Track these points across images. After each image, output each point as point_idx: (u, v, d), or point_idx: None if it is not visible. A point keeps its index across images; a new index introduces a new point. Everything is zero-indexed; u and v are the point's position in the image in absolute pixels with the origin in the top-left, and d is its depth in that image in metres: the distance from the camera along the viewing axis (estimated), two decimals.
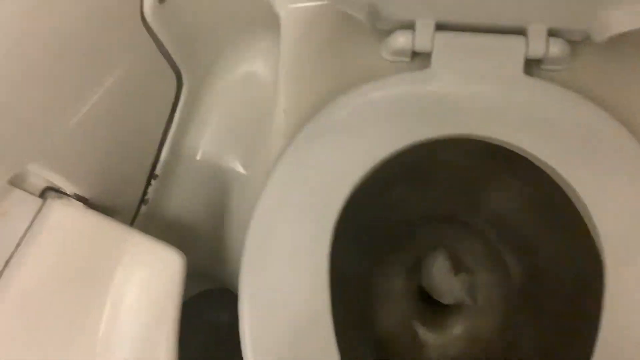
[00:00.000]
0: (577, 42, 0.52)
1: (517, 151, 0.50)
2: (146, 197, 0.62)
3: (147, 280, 0.50)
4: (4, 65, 0.40)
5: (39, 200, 0.49)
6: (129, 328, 0.47)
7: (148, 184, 0.62)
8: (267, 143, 0.60)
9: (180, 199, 0.64)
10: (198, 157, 0.66)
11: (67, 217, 0.50)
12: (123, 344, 0.47)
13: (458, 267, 0.64)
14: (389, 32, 0.53)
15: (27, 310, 0.46)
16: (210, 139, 0.65)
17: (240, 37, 0.63)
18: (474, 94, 0.51)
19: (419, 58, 0.53)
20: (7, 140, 0.43)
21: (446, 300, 0.64)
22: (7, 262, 0.45)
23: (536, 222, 0.61)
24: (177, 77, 0.60)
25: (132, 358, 0.46)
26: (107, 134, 0.53)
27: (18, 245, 0.47)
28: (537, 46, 0.50)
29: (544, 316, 0.60)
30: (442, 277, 0.64)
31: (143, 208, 0.62)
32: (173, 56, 0.56)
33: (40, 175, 0.48)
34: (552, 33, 0.51)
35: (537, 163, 0.50)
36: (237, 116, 0.65)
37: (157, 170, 0.63)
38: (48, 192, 0.50)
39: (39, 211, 0.49)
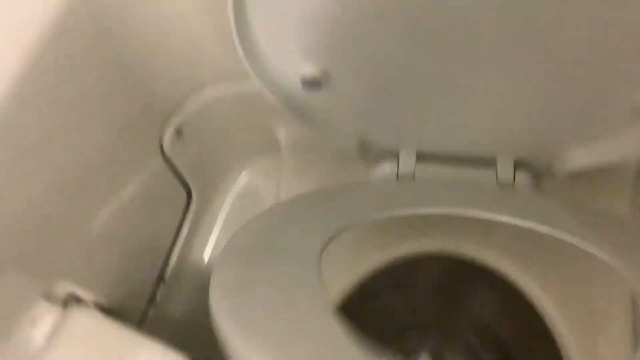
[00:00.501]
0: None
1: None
2: (155, 300, 0.68)
3: None
4: (40, 194, 0.46)
5: (61, 310, 0.54)
6: None
7: (157, 287, 0.68)
8: None
9: (187, 302, 0.70)
10: (204, 263, 0.72)
11: (84, 324, 0.55)
12: None
13: None
14: (376, 160, 0.61)
15: None
16: (215, 246, 0.72)
17: (244, 159, 0.71)
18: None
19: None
20: (41, 257, 0.49)
21: None
22: None
23: (510, 329, 0.66)
24: (187, 194, 0.67)
25: None
26: (122, 246, 0.60)
27: (42, 351, 0.52)
28: (505, 176, 0.57)
29: None
30: None
31: (151, 310, 0.67)
32: (185, 177, 0.64)
33: (64, 287, 0.54)
34: (519, 164, 0.58)
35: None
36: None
37: (166, 275, 0.68)
38: (69, 301, 0.56)
39: (60, 320, 0.54)
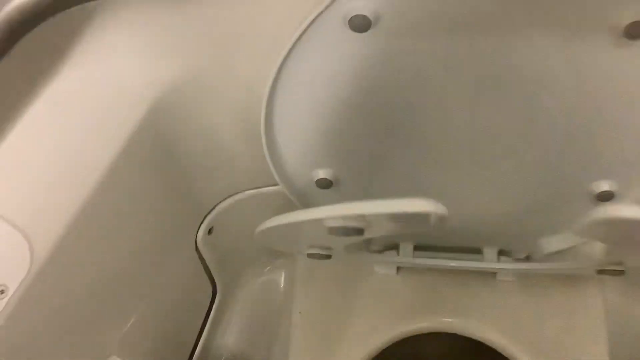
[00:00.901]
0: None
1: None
2: None
3: None
4: (96, 290, 0.54)
5: None
6: None
7: None
8: (282, 338, 0.74)
9: None
10: (225, 354, 0.79)
11: None
12: None
13: None
14: (379, 251, 0.70)
15: None
16: (236, 336, 0.79)
17: (262, 256, 0.81)
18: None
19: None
20: (99, 334, 0.57)
21: None
22: None
23: None
24: (213, 288, 0.76)
25: None
26: (159, 332, 0.67)
27: None
28: (490, 263, 0.67)
29: None
30: None
31: None
32: (212, 272, 0.73)
33: None
34: (502, 253, 0.68)
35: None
36: (258, 317, 0.80)
37: None
38: None
39: None
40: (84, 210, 0.45)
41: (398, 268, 0.71)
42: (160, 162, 0.55)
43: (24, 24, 0.35)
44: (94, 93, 0.45)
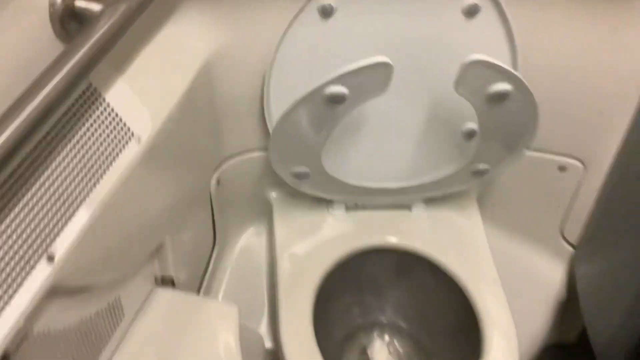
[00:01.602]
0: None
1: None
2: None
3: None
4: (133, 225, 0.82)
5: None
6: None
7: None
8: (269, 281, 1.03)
9: None
10: (220, 295, 1.05)
11: (165, 295, 0.87)
12: None
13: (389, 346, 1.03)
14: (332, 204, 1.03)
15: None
16: (230, 283, 1.07)
17: (250, 214, 1.11)
18: None
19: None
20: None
21: None
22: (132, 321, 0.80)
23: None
24: (214, 239, 1.04)
25: None
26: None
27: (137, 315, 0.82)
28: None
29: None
30: (380, 355, 1.02)
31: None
32: (215, 223, 1.02)
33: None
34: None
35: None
36: (248, 265, 1.09)
37: None
38: (158, 280, 0.88)
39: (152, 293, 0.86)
40: (173, 110, 0.75)
41: (347, 208, 1.04)
42: (204, 107, 0.87)
43: None
44: (173, 50, 0.78)
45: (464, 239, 1.00)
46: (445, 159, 0.93)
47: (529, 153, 0.99)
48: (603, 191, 1.00)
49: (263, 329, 1.05)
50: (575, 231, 1.09)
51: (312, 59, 0.82)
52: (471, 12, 0.80)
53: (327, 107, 0.76)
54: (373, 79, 0.72)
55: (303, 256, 0.97)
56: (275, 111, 0.89)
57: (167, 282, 0.89)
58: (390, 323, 1.06)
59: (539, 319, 1.12)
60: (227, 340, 0.82)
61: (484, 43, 0.81)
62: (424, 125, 0.92)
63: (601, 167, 0.97)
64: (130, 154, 0.66)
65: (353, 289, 1.03)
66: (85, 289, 0.65)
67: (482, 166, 0.90)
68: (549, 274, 1.14)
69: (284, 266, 0.94)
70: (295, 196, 1.03)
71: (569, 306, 1.14)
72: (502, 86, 0.73)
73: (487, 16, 0.80)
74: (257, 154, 1.00)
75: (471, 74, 0.72)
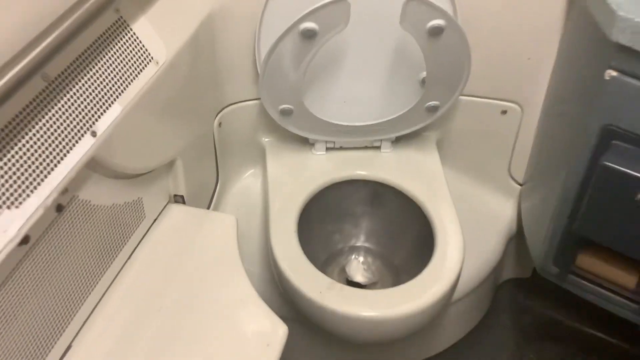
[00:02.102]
0: None
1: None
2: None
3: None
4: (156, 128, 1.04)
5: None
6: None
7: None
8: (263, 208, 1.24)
9: None
10: None
11: (177, 208, 1.08)
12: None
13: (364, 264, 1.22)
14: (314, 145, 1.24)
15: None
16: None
17: (248, 159, 1.32)
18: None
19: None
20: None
21: (360, 280, 1.20)
22: (145, 234, 1.01)
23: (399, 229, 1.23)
24: (217, 176, 1.25)
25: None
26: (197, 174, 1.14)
27: (155, 221, 1.03)
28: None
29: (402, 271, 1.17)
30: (357, 272, 1.21)
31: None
32: (218, 160, 1.23)
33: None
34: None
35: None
36: (246, 202, 1.30)
37: None
38: (171, 197, 1.09)
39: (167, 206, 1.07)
40: (183, 46, 0.97)
41: (327, 149, 1.25)
42: (207, 54, 1.10)
43: None
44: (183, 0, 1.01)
45: (423, 170, 1.20)
46: (405, 100, 1.14)
47: (475, 99, 1.21)
48: (538, 131, 1.21)
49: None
50: (521, 170, 1.29)
51: (292, 14, 1.04)
52: None
53: (302, 42, 0.98)
54: (335, 13, 0.94)
55: (290, 188, 1.17)
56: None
57: (179, 200, 1.10)
58: (364, 245, 1.26)
59: (494, 254, 1.30)
60: (227, 243, 1.02)
61: None
62: (388, 72, 1.13)
63: (535, 109, 1.18)
64: (150, 72, 0.88)
65: (333, 218, 1.23)
66: (118, 171, 0.86)
67: (433, 103, 1.11)
68: (501, 212, 1.34)
69: (274, 196, 1.15)
70: (285, 140, 1.25)
71: (520, 241, 1.33)
72: (437, 22, 0.95)
73: None
74: (251, 103, 1.21)
75: (410, 10, 0.93)
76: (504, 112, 1.21)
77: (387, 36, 1.08)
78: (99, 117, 0.78)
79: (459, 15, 1.05)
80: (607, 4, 0.79)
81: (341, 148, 1.24)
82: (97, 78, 0.78)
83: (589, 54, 0.90)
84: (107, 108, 0.79)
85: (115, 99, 0.81)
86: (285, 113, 1.12)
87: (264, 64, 1.02)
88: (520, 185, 1.31)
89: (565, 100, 1.03)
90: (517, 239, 1.34)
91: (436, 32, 0.97)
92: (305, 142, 1.24)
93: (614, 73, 0.82)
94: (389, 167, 1.22)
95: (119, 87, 0.81)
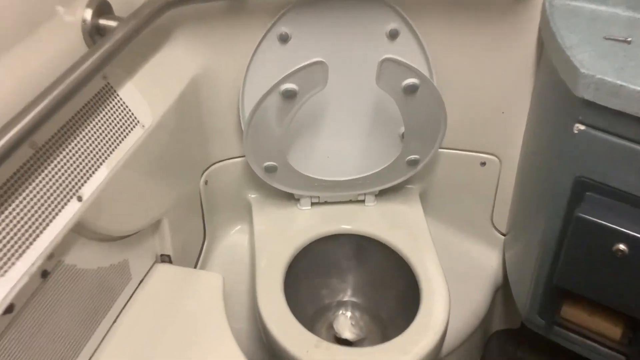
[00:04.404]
0: None
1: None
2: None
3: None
4: (136, 181, 1.06)
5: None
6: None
7: None
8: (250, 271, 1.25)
9: None
10: None
11: (163, 267, 1.09)
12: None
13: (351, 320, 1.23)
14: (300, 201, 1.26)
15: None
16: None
17: (235, 215, 1.33)
18: None
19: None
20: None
21: (348, 337, 1.20)
22: (131, 296, 1.02)
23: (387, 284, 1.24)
24: (204, 233, 1.26)
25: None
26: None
27: (141, 282, 1.04)
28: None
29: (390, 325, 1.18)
30: (344, 329, 1.22)
31: None
32: (205, 218, 1.25)
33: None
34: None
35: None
36: (234, 259, 1.30)
37: None
38: (158, 257, 1.10)
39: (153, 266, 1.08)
40: (169, 110, 1.00)
41: (312, 204, 1.27)
42: (192, 115, 1.13)
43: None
44: (168, 66, 1.05)
45: (407, 223, 1.22)
46: (386, 154, 1.17)
47: (455, 152, 1.24)
48: (516, 182, 1.24)
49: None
50: (503, 220, 1.31)
51: (274, 75, 1.08)
52: (393, 35, 1.06)
53: (284, 102, 1.01)
54: (314, 74, 0.98)
55: (276, 244, 1.18)
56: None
57: (165, 259, 1.11)
58: (351, 300, 1.27)
59: (482, 305, 1.31)
60: (214, 302, 1.02)
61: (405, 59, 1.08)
62: (369, 128, 1.17)
63: (513, 161, 1.22)
64: (136, 135, 0.90)
65: (320, 272, 1.24)
66: (104, 235, 0.87)
67: (413, 157, 1.14)
68: (486, 262, 1.36)
69: (260, 253, 1.16)
70: (270, 196, 1.27)
71: (507, 291, 1.33)
72: (412, 80, 0.99)
73: (406, 39, 1.07)
74: (236, 160, 1.24)
75: (385, 69, 0.97)
76: (483, 163, 1.25)
77: (366, 93, 1.12)
78: (85, 181, 0.79)
79: (435, 73, 1.09)
80: (571, 62, 0.83)
81: (326, 202, 1.26)
82: (84, 143, 0.80)
83: (558, 108, 0.94)
84: (93, 172, 0.81)
85: (101, 163, 0.83)
86: (270, 170, 1.15)
87: (247, 123, 1.05)
88: (504, 235, 1.33)
89: (539, 153, 1.07)
90: (504, 289, 1.35)
91: (411, 89, 1.00)
92: (291, 198, 1.26)
93: (582, 127, 0.85)
94: (373, 220, 1.23)
95: (105, 151, 0.84)
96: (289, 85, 0.98)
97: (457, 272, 1.21)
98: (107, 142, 0.84)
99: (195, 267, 1.24)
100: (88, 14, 0.82)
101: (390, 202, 1.27)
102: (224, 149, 1.22)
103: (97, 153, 0.82)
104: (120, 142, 0.87)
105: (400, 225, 1.22)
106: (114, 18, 0.85)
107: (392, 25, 1.05)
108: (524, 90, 1.11)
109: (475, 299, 1.30)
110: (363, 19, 1.04)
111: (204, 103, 1.13)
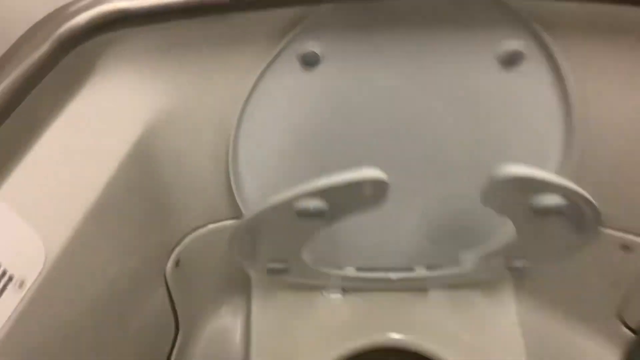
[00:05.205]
0: None
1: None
2: None
3: None
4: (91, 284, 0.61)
5: None
6: None
7: None
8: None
9: None
10: None
11: None
12: None
13: None
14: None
15: None
16: None
17: (223, 294, 0.89)
18: None
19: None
20: None
21: None
22: None
23: None
24: (176, 325, 0.83)
25: None
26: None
27: None
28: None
29: None
30: None
31: None
32: (176, 307, 0.80)
33: None
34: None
35: None
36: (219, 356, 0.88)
37: None
38: None
39: None
40: (87, 218, 0.54)
41: (344, 291, 0.81)
42: (144, 186, 0.65)
43: (73, 41, 0.46)
44: (102, 115, 0.56)
45: (493, 327, 0.77)
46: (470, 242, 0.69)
47: None
48: None
49: None
50: (636, 314, 0.85)
51: (290, 119, 0.59)
52: (511, 60, 0.55)
53: (301, 221, 0.53)
54: (360, 196, 0.48)
55: (282, 355, 0.75)
56: (246, 176, 0.67)
57: None
58: None
59: None
60: None
61: (526, 103, 0.57)
62: (439, 201, 0.68)
63: None
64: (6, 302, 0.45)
65: None
66: None
67: (519, 263, 0.67)
68: None
69: None
70: None
71: None
72: (549, 200, 0.49)
73: (535, 67, 0.55)
74: (223, 224, 0.78)
75: (502, 191, 0.47)
76: (626, 247, 0.76)
77: (438, 160, 0.63)
78: None
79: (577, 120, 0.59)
80: None
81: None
82: None
83: None
84: None
85: None
86: (276, 272, 0.69)
87: (237, 236, 0.58)
88: (634, 332, 0.88)
89: None
90: None
91: (544, 212, 0.51)
92: None
93: None
94: (441, 323, 0.79)
95: None
96: (312, 203, 0.50)
97: None
98: None
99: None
100: None
101: (467, 290, 0.81)
102: (203, 213, 0.76)
103: None
104: None
105: (481, 331, 0.77)
106: None
107: (512, 43, 0.54)
108: None
109: None
110: (457, 33, 0.53)
111: (164, 162, 0.65)
